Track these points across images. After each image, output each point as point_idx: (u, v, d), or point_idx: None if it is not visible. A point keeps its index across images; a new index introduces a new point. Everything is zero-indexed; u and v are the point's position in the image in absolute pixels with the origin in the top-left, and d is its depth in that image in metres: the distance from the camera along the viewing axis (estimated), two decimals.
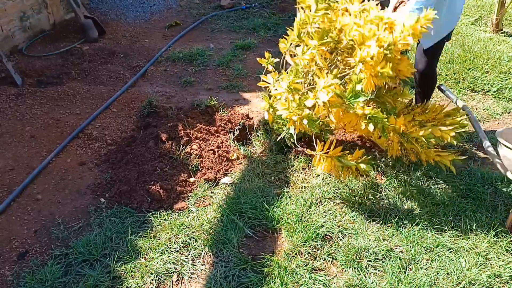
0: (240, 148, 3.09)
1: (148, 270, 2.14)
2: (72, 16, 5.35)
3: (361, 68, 2.24)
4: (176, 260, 2.20)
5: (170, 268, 2.16)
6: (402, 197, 2.56)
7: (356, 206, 2.50)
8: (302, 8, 2.52)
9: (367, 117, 2.26)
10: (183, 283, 2.11)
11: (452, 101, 3.20)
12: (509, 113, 3.56)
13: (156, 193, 2.62)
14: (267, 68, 2.64)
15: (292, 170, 2.81)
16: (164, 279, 2.12)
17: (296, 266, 2.13)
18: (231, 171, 2.88)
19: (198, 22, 5.59)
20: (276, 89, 2.43)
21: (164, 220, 2.45)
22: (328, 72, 2.37)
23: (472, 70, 4.10)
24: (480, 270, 2.10)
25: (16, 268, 2.21)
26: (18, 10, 4.63)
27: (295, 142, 2.66)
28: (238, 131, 3.16)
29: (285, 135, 2.91)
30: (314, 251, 2.23)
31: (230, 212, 2.45)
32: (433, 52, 2.95)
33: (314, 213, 2.44)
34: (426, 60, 2.97)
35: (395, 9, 2.80)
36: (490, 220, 2.39)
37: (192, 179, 2.79)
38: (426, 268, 2.12)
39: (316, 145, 2.39)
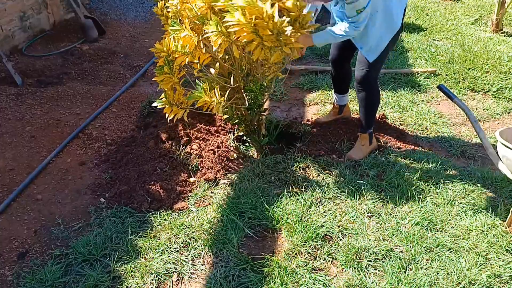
0: (240, 148, 3.08)
1: (148, 270, 2.14)
2: (72, 16, 5.35)
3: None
4: (176, 260, 2.20)
5: (170, 268, 2.16)
6: (402, 197, 2.56)
7: (356, 206, 2.51)
8: None
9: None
10: (183, 283, 2.11)
11: (451, 100, 3.20)
12: (509, 113, 3.56)
13: (156, 193, 2.62)
14: None
15: (292, 170, 2.81)
16: (164, 279, 2.12)
17: (296, 266, 2.13)
18: (231, 171, 2.88)
19: None
20: None
21: (164, 220, 2.45)
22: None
23: (472, 70, 4.10)
24: (480, 270, 2.10)
25: (16, 268, 2.21)
26: (18, 10, 4.63)
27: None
28: (238, 131, 3.16)
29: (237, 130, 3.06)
30: (314, 251, 2.23)
31: (230, 212, 2.45)
32: (373, 64, 2.73)
33: (314, 213, 2.44)
34: (365, 70, 2.76)
35: None
36: (490, 220, 2.39)
37: (192, 179, 2.79)
38: (426, 268, 2.12)
39: None
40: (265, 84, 2.76)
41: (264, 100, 2.86)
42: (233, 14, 2.18)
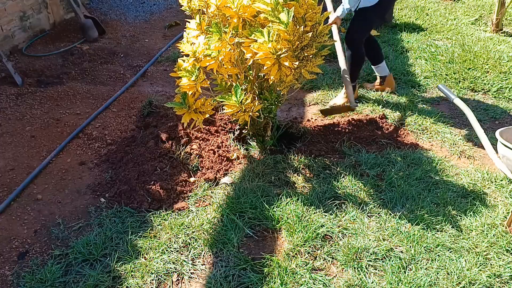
0: (240, 148, 3.09)
1: (148, 270, 2.14)
2: (72, 16, 5.35)
3: None
4: (176, 260, 2.20)
5: (170, 268, 2.16)
6: (402, 197, 2.56)
7: (356, 206, 2.51)
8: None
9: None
10: (183, 283, 2.11)
11: (451, 100, 3.21)
12: (509, 113, 3.56)
13: (156, 193, 2.62)
14: None
15: (292, 170, 2.81)
16: (164, 279, 2.12)
17: (296, 266, 2.13)
18: (231, 171, 2.88)
19: None
20: None
21: (164, 220, 2.45)
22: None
23: (472, 70, 4.10)
24: (480, 270, 2.10)
25: (16, 268, 2.21)
26: (18, 10, 4.63)
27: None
28: (238, 131, 3.16)
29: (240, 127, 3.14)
30: (314, 251, 2.23)
31: (230, 212, 2.45)
32: (358, 29, 3.38)
33: (314, 213, 2.44)
34: (352, 32, 3.40)
35: None
36: (490, 220, 2.39)
37: (192, 179, 2.79)
38: (426, 268, 2.12)
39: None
40: (281, 94, 2.78)
41: (276, 110, 2.91)
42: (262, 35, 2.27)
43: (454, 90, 3.85)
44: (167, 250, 2.25)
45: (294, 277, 2.07)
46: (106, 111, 3.62)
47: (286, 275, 2.08)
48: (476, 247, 2.24)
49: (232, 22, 2.42)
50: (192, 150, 2.98)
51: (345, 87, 3.31)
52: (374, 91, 3.81)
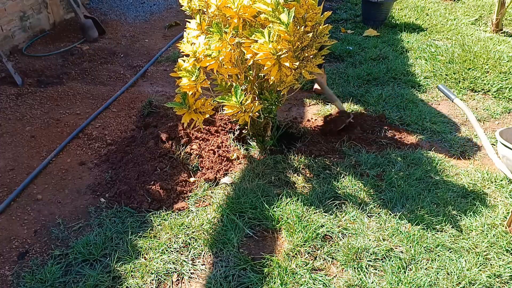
0: (240, 148, 3.09)
1: (148, 270, 2.14)
2: (72, 16, 5.35)
3: None
4: (176, 260, 2.20)
5: (170, 268, 2.16)
6: (402, 197, 2.56)
7: (356, 206, 2.51)
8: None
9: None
10: (183, 283, 2.11)
11: (451, 101, 3.21)
12: (509, 113, 3.56)
13: (156, 193, 2.62)
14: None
15: (292, 170, 2.81)
16: (164, 279, 2.12)
17: (296, 266, 2.13)
18: (231, 171, 2.88)
19: None
20: None
21: (164, 220, 2.45)
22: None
23: (472, 70, 4.10)
24: (480, 270, 2.10)
25: (16, 268, 2.21)
26: (18, 10, 4.63)
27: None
28: (238, 131, 3.16)
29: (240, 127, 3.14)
30: (314, 251, 2.23)
31: (230, 212, 2.45)
32: None
33: (314, 213, 2.44)
34: None
35: None
36: (490, 220, 2.39)
37: (192, 179, 2.79)
38: (426, 268, 2.12)
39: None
40: (281, 94, 2.78)
41: (276, 110, 2.90)
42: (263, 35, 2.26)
43: (454, 90, 3.85)
44: (167, 250, 2.25)
45: (294, 277, 2.07)
46: (106, 111, 3.62)
47: (286, 275, 2.08)
48: (476, 247, 2.24)
49: (233, 22, 2.42)
50: (192, 150, 2.98)
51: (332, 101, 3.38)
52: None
